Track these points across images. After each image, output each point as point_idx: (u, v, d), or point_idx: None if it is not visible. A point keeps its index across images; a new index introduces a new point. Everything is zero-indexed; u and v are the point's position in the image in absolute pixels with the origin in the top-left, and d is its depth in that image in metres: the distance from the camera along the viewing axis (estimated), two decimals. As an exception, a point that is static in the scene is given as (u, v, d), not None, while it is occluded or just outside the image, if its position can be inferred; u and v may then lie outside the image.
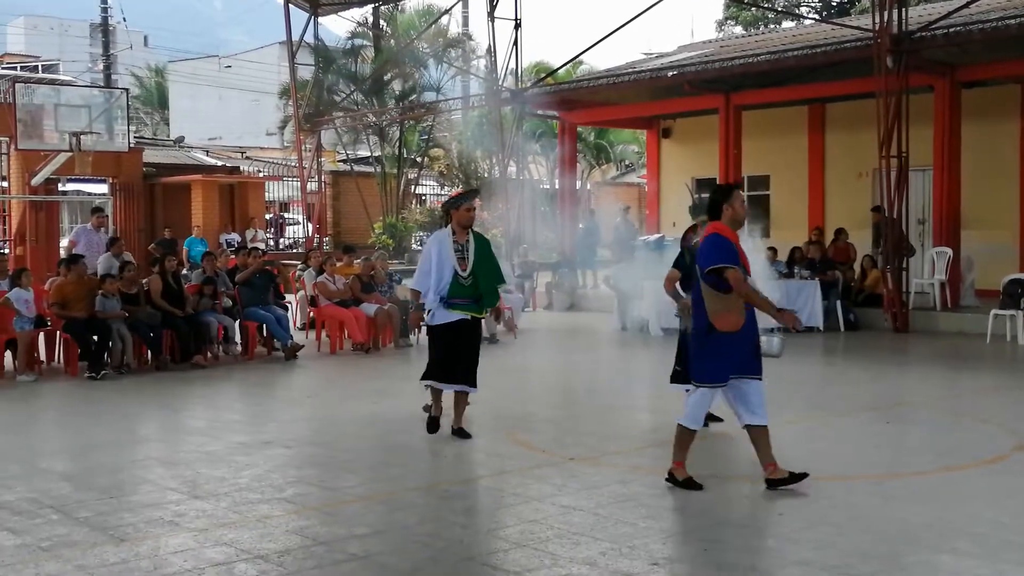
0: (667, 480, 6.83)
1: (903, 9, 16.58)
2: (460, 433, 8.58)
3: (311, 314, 15.92)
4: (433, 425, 8.70)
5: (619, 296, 17.48)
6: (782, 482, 6.62)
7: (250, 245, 22.35)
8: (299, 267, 18.94)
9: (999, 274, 16.06)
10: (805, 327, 16.11)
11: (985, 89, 18.99)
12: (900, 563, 5.32)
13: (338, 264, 15.85)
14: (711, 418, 8.98)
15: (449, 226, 8.67)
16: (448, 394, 8.75)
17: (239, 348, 14.18)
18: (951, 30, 16.54)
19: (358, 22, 32.86)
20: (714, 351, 6.59)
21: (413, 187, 34.52)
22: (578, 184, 32.46)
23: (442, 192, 36.27)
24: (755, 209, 22.17)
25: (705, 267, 6.66)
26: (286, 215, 37.20)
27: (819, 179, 22.20)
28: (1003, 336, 14.77)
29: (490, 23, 23.28)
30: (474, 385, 8.67)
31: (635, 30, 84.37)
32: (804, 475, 6.66)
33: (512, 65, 23.34)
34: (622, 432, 8.94)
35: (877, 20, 16.46)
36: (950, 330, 16.10)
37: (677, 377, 8.96)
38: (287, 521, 6.22)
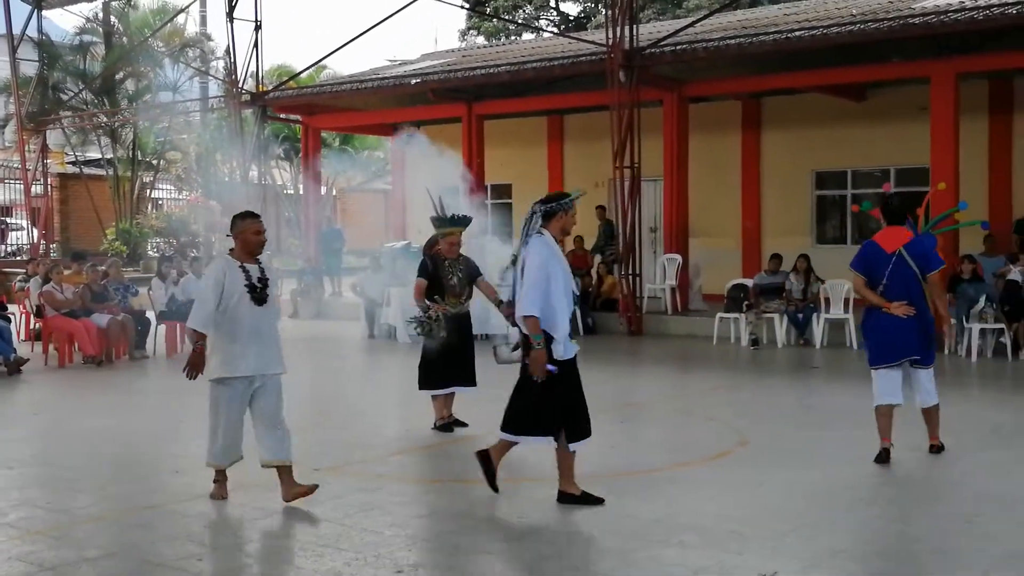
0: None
1: (634, 26, 17.38)
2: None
3: (37, 325, 15.02)
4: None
5: (365, 303, 17.44)
6: None
7: (-32, 252, 20.88)
8: (19, 279, 17.83)
9: (724, 279, 17.07)
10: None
11: (710, 104, 20.16)
12: (631, 559, 5.56)
13: (66, 272, 15.03)
14: (456, 423, 9.12)
15: (548, 233, 6.63)
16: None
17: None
18: (678, 47, 17.46)
19: (87, 17, 31.36)
20: None
21: (149, 191, 33.16)
22: (323, 190, 32.13)
23: (179, 197, 35.00)
24: (499, 218, 22.73)
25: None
26: (8, 220, 34.88)
27: (559, 188, 22.84)
28: (728, 338, 15.70)
29: (229, 23, 22.73)
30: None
31: (379, 37, 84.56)
32: None
33: (253, 67, 22.88)
34: (367, 441, 8.91)
35: (610, 36, 17.18)
36: (680, 333, 16.97)
37: (425, 383, 9.09)
38: (10, 547, 5.84)
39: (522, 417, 6.65)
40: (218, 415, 6.81)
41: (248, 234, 6.82)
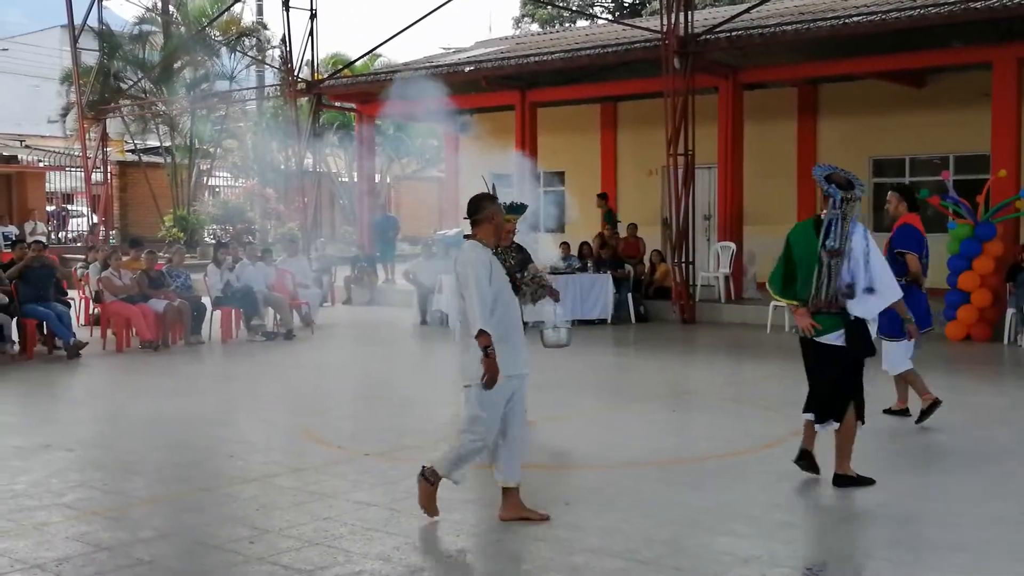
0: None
1: (689, 12, 17.23)
2: None
3: (96, 310, 15.27)
4: None
5: (418, 290, 17.51)
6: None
7: (30, 239, 21.26)
8: (79, 266, 18.14)
9: (778, 267, 16.88)
10: (597, 319, 16.59)
11: (765, 91, 19.97)
12: (681, 546, 5.54)
13: (124, 258, 15.25)
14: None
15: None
16: None
17: (16, 347, 13.44)
18: (733, 34, 17.29)
19: (146, 7, 31.69)
20: None
21: (206, 179, 33.52)
22: (377, 178, 32.29)
23: (236, 184, 35.37)
24: (551, 204, 22.68)
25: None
26: (69, 207, 35.49)
27: (611, 175, 22.80)
28: (782, 326, 15.54)
29: (285, 12, 22.89)
30: None
31: (433, 25, 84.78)
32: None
33: (308, 56, 23.03)
34: (418, 427, 8.95)
35: (665, 22, 17.06)
36: (734, 321, 16.85)
37: None
38: (67, 527, 5.95)
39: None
40: (486, 420, 5.95)
41: (499, 218, 6.20)
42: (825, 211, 6.71)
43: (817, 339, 6.71)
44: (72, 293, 15.63)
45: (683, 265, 17.13)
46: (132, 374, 12.42)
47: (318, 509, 6.27)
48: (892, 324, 8.06)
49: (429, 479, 6.01)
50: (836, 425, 6.74)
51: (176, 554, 5.52)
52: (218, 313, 15.24)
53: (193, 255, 26.42)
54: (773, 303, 15.74)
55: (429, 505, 6.02)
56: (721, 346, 14.66)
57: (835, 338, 6.66)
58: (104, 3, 27.41)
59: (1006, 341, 13.89)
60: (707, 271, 18.35)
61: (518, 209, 8.96)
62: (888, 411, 8.96)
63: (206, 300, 15.29)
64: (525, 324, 9.20)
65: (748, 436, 8.41)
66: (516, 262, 9.01)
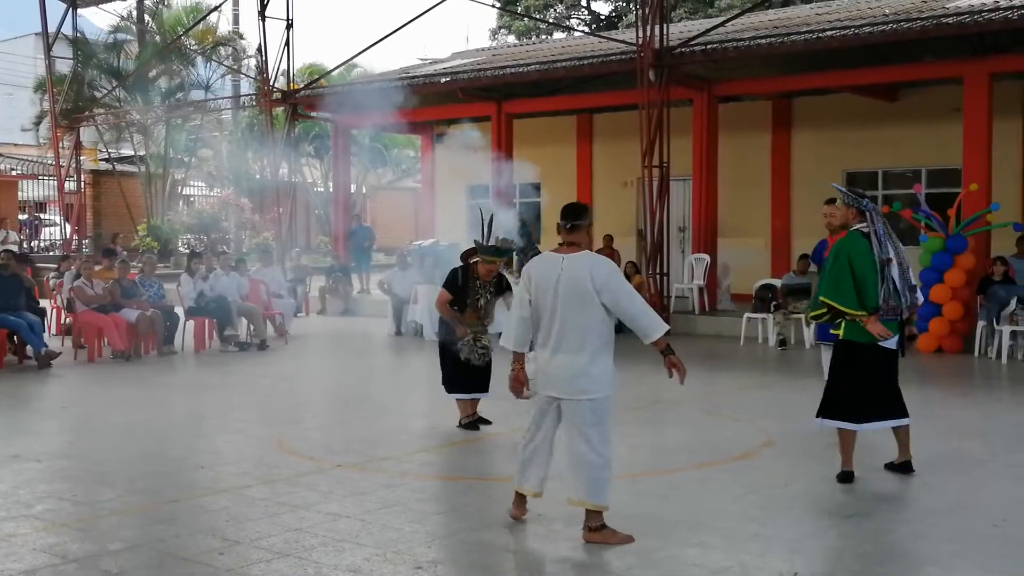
0: None
1: (664, 25, 17.31)
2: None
3: (68, 320, 15.16)
4: None
5: (393, 301, 17.49)
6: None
7: (1, 247, 21.10)
8: (52, 275, 18.02)
9: (752, 279, 17.00)
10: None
11: (740, 104, 20.09)
12: (651, 558, 5.54)
13: (97, 268, 15.16)
14: (481, 421, 9.12)
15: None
16: None
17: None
18: (708, 47, 17.39)
19: (121, 15, 31.60)
20: None
21: (180, 188, 33.39)
22: (353, 188, 32.24)
23: (211, 193, 35.23)
24: (528, 216, 22.69)
25: None
26: (42, 216, 35.24)
27: (587, 187, 22.86)
28: (755, 338, 15.63)
29: (261, 22, 22.85)
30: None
31: (410, 35, 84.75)
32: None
33: (284, 66, 23.01)
34: (391, 437, 8.93)
35: (640, 35, 17.13)
36: (708, 332, 16.91)
37: (452, 386, 9.09)
38: (35, 539, 5.89)
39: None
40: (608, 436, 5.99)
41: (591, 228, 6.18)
42: (858, 225, 7.14)
43: (882, 344, 7.09)
44: (44, 302, 15.52)
45: (657, 276, 17.19)
46: (104, 384, 12.33)
47: (289, 520, 6.24)
48: None
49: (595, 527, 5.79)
50: (887, 424, 7.25)
51: (145, 566, 5.47)
52: (191, 323, 15.17)
53: (167, 264, 26.28)
54: (747, 315, 15.81)
55: (617, 538, 5.76)
56: (695, 357, 14.63)
57: (894, 342, 7.15)
58: (79, 11, 27.23)
59: (977, 353, 13.99)
60: (681, 283, 18.42)
61: (503, 252, 8.83)
62: None
63: (179, 310, 15.22)
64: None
65: (721, 447, 8.43)
66: (493, 296, 8.97)
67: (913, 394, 9.13)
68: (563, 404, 5.88)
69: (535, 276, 5.97)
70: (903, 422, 7.28)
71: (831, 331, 7.41)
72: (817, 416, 7.37)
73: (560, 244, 6.01)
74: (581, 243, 5.95)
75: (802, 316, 15.26)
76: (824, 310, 7.15)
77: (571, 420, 5.85)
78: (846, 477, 7.12)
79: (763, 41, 17.04)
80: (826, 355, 8.86)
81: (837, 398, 7.23)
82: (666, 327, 5.89)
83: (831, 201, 9.03)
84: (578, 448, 5.82)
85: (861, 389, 7.14)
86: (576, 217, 5.94)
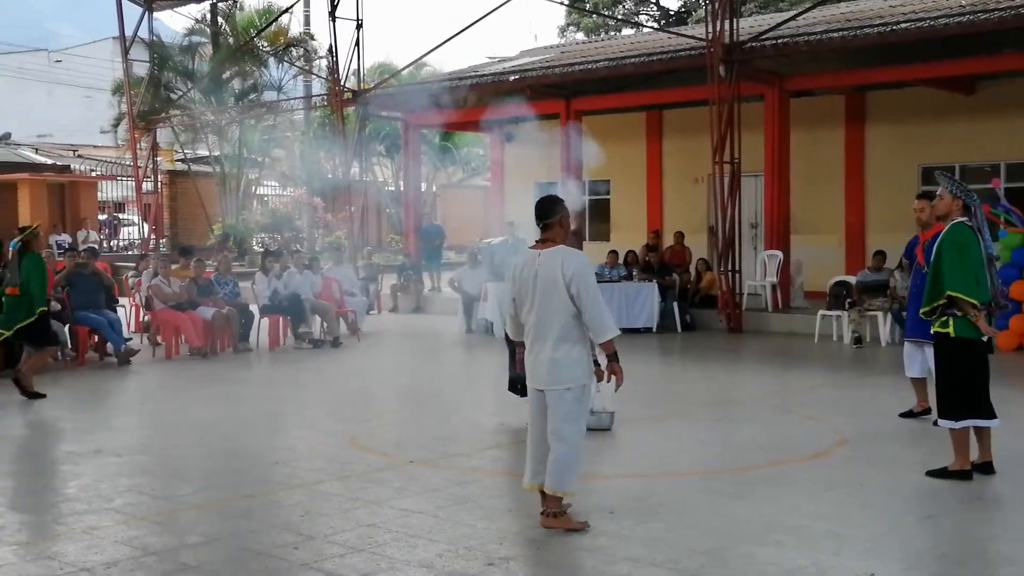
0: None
1: (735, 20, 17.15)
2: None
3: (146, 318, 15.47)
4: None
5: (463, 298, 17.56)
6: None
7: (82, 247, 21.61)
8: (130, 274, 18.41)
9: (826, 276, 16.78)
10: (643, 328, 16.53)
11: (812, 99, 19.82)
12: (724, 557, 5.50)
13: (174, 267, 15.45)
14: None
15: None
16: None
17: (63, 353, 13.62)
18: (779, 41, 17.19)
19: (195, 18, 32.10)
20: None
21: (254, 188, 33.89)
22: (423, 187, 32.44)
23: (284, 193, 35.69)
24: (596, 213, 22.65)
25: None
26: (121, 216, 36.00)
27: (657, 184, 22.75)
28: (830, 336, 15.41)
29: (331, 23, 23.09)
30: None
31: (479, 34, 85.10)
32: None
33: (354, 66, 23.22)
34: (463, 435, 8.98)
35: (710, 30, 16.99)
36: (781, 330, 16.72)
37: (512, 386, 9.08)
38: (116, 532, 6.04)
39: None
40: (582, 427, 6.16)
41: (568, 220, 6.26)
42: (961, 218, 7.00)
43: (986, 340, 7.06)
44: (123, 301, 15.85)
45: (729, 273, 17.03)
46: (181, 381, 12.57)
47: (362, 516, 6.31)
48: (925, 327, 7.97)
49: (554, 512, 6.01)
50: (997, 421, 7.11)
51: (222, 559, 5.57)
52: (266, 321, 15.38)
53: (242, 263, 26.69)
54: (821, 312, 15.61)
55: (574, 524, 5.99)
56: (768, 355, 14.55)
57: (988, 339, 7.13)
58: (154, 15, 27.78)
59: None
60: (754, 280, 18.22)
61: None
62: (908, 414, 9.30)
63: (254, 308, 15.45)
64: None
65: (795, 446, 8.34)
66: None
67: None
68: (546, 395, 6.01)
69: (516, 273, 6.14)
70: (995, 422, 7.16)
71: (932, 329, 7.15)
72: (945, 417, 7.09)
73: (537, 241, 6.14)
74: (556, 238, 6.05)
75: (878, 313, 15.04)
76: (938, 304, 6.94)
77: (551, 409, 5.99)
78: (967, 474, 7.00)
79: (835, 34, 16.81)
80: (917, 352, 8.87)
81: (971, 396, 7.02)
82: (617, 331, 5.94)
83: (923, 196, 8.88)
84: (551, 436, 5.97)
85: (984, 384, 7.07)
86: (547, 216, 6.05)
